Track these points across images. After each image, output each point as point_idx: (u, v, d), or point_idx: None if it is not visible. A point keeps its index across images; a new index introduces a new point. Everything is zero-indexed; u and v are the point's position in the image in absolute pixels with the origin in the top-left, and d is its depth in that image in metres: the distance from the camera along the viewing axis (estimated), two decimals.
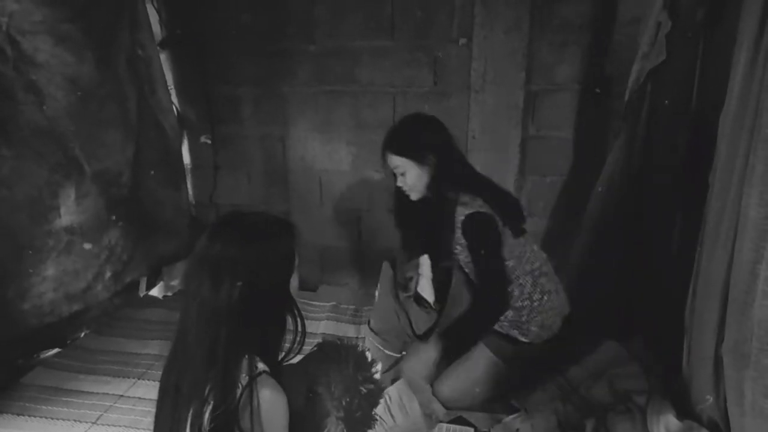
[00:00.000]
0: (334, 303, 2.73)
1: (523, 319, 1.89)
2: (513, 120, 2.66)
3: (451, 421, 1.87)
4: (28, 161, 2.29)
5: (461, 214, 1.80)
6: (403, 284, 2.28)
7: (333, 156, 2.95)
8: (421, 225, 2.00)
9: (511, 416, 1.86)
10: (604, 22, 2.46)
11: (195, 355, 1.02)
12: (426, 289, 2.15)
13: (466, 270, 1.93)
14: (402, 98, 2.80)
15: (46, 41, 2.32)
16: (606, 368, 2.01)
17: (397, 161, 1.87)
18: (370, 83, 2.81)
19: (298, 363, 1.17)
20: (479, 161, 2.72)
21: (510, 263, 1.86)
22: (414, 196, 1.91)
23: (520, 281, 1.89)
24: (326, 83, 2.83)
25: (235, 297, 1.01)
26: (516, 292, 1.88)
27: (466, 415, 1.88)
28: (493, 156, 2.70)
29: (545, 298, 1.90)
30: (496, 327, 1.93)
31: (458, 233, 1.83)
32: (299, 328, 1.13)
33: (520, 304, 1.89)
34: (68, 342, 2.44)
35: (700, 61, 2.00)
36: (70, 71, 2.41)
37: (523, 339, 1.90)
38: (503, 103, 2.65)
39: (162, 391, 1.11)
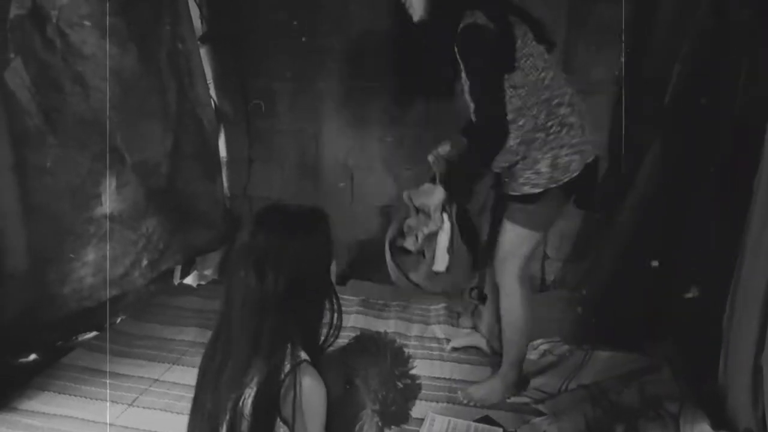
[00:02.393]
0: (363, 297, 2.76)
1: (536, 156, 1.72)
2: None
3: (478, 420, 1.87)
4: (72, 150, 2.36)
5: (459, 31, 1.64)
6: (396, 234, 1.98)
7: (365, 152, 2.97)
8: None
9: (539, 418, 1.85)
10: (643, 22, 2.42)
11: (239, 343, 1.05)
12: (440, 260, 1.88)
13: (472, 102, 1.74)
14: (436, 97, 2.80)
15: (92, 34, 2.39)
16: (636, 374, 1.99)
17: None
18: (403, 80, 2.82)
19: (336, 354, 1.20)
20: None
21: (522, 91, 1.68)
22: (416, 16, 1.72)
23: (533, 112, 1.69)
24: (361, 79, 2.85)
25: (280, 286, 1.04)
26: (527, 125, 1.70)
27: (493, 414, 1.89)
28: None
29: (563, 131, 1.70)
30: (511, 185, 1.79)
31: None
32: (335, 319, 1.16)
33: (532, 136, 1.70)
34: (105, 326, 2.51)
35: (745, 62, 1.95)
36: (114, 63, 2.48)
37: (535, 191, 1.74)
38: None
39: (202, 377, 1.14)
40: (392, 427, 1.17)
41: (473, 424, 1.86)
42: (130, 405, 1.94)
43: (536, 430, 1.81)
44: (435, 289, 2.07)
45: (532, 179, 1.75)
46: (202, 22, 2.99)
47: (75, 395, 1.99)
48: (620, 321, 2.19)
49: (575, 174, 1.74)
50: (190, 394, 1.86)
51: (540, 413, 1.89)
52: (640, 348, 2.12)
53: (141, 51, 2.57)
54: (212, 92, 3.06)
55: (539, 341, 2.29)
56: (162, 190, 2.73)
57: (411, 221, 1.87)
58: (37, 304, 2.30)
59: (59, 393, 1.99)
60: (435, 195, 1.80)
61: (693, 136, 2.09)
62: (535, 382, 2.04)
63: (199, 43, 2.95)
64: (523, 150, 1.73)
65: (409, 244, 1.88)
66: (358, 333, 1.31)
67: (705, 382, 1.78)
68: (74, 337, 2.42)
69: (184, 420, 1.73)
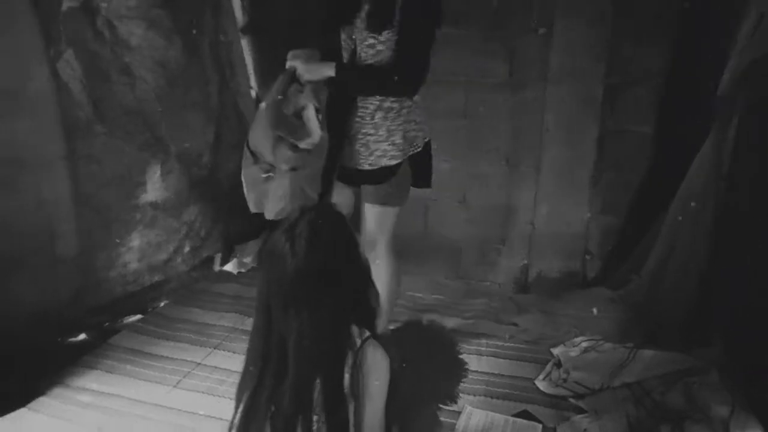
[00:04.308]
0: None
1: (391, 127, 1.82)
2: (591, 114, 2.57)
3: (516, 415, 1.86)
4: (119, 139, 2.43)
5: None
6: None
7: None
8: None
9: (580, 416, 1.83)
10: (694, 13, 2.33)
11: (302, 324, 1.07)
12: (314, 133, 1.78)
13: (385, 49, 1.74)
14: (474, 88, 2.77)
15: (139, 26, 2.45)
16: (681, 375, 1.94)
17: None
18: (443, 73, 2.78)
19: (389, 335, 1.23)
20: (553, 156, 2.67)
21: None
22: None
23: None
24: None
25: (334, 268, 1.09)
26: None
27: (532, 410, 1.87)
28: (568, 151, 2.63)
29: (413, 107, 1.87)
30: (367, 159, 1.84)
31: None
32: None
33: (390, 105, 1.81)
34: (149, 310, 2.59)
35: None
36: (159, 55, 2.54)
37: (392, 162, 1.84)
38: (581, 97, 2.58)
39: (254, 362, 1.16)
40: (440, 407, 1.19)
41: (511, 418, 1.85)
42: (174, 386, 2.00)
43: (577, 428, 1.78)
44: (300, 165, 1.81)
45: (389, 151, 1.84)
46: (243, 14, 3.03)
47: (122, 375, 2.05)
48: (665, 322, 2.13)
49: (419, 149, 1.91)
50: (231, 379, 1.95)
51: (580, 410, 1.87)
52: (687, 349, 2.06)
53: (185, 42, 2.62)
54: (252, 83, 3.10)
55: (580, 338, 2.26)
56: (204, 179, 2.79)
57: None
58: (85, 288, 2.39)
59: (107, 372, 2.07)
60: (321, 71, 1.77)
61: (747, 132, 2.01)
62: (576, 375, 2.00)
63: (240, 34, 2.99)
64: (380, 118, 1.82)
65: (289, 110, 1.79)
66: (408, 320, 1.34)
67: (756, 387, 1.72)
68: (120, 320, 2.50)
69: (225, 403, 1.81)
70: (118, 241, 2.49)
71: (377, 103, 1.81)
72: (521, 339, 2.35)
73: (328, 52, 1.84)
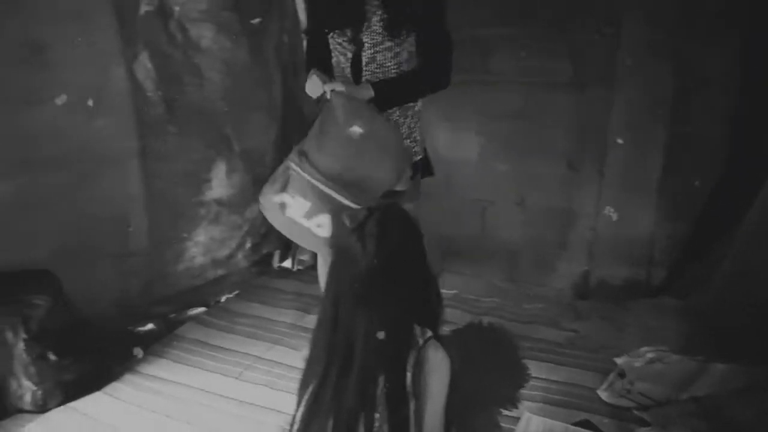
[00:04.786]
0: (455, 291, 2.75)
1: (411, 125, 1.83)
2: (659, 116, 2.48)
3: (576, 424, 1.81)
4: (188, 138, 2.54)
5: None
6: None
7: (460, 145, 2.94)
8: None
9: (644, 428, 1.77)
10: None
11: (370, 322, 1.09)
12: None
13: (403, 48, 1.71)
14: (535, 89, 2.72)
15: (209, 28, 2.55)
16: (755, 390, 1.84)
17: None
18: (502, 73, 2.76)
19: (449, 336, 1.23)
20: (620, 159, 2.58)
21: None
22: None
23: None
24: (456, 72, 2.81)
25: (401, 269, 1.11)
26: None
27: (596, 421, 1.82)
28: (634, 154, 2.54)
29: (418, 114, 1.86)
30: None
31: None
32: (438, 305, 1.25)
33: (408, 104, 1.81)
34: (212, 303, 2.68)
35: None
36: (227, 56, 2.63)
37: (416, 158, 1.85)
38: (648, 99, 2.48)
39: (318, 358, 1.19)
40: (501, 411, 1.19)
41: (571, 427, 1.81)
42: (236, 378, 2.06)
43: None
44: None
45: (411, 148, 1.82)
46: (306, 16, 3.08)
47: (188, 365, 2.14)
48: (737, 334, 2.03)
49: (420, 157, 1.89)
50: (290, 374, 2.00)
51: (644, 422, 1.81)
52: (760, 363, 1.95)
53: (251, 44, 2.70)
54: None
55: (645, 349, 2.17)
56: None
57: None
58: (154, 280, 2.50)
59: (174, 361, 2.16)
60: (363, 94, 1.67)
61: None
62: (641, 386, 1.94)
63: (303, 35, 3.04)
64: (399, 116, 1.80)
65: None
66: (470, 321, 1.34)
67: None
68: (185, 312, 2.60)
69: (285, 397, 1.86)
70: (185, 235, 2.60)
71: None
72: (582, 346, 2.30)
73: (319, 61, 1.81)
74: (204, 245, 2.67)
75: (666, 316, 2.39)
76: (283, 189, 1.55)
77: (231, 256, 2.79)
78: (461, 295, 2.74)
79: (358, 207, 1.41)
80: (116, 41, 2.16)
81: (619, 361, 2.13)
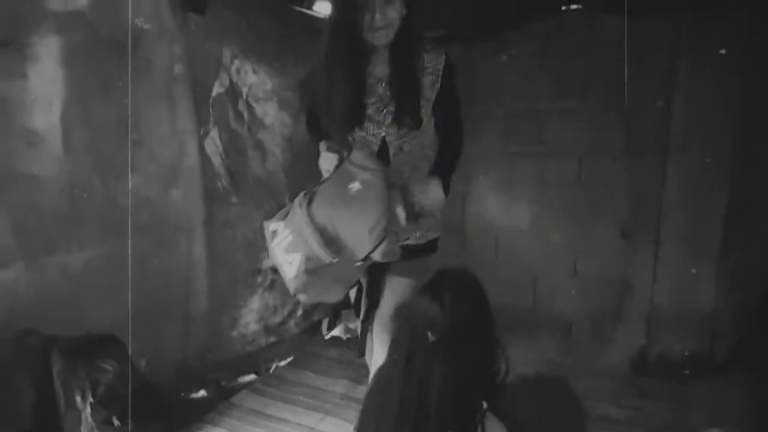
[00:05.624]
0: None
1: None
2: (717, 184, 2.47)
3: None
4: (249, 207, 2.66)
5: (438, 56, 1.55)
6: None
7: (512, 214, 2.98)
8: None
9: None
10: None
11: (446, 377, 1.11)
12: None
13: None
14: (589, 159, 2.76)
15: (272, 107, 2.73)
16: None
17: None
18: (557, 144, 2.83)
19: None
20: (675, 227, 2.56)
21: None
22: (384, 39, 1.49)
23: None
24: (512, 143, 2.91)
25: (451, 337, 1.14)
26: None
27: None
28: (691, 223, 2.52)
29: None
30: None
31: (429, 80, 1.54)
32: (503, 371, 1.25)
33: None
34: (263, 370, 2.70)
35: None
36: (287, 132, 2.80)
37: (437, 234, 1.68)
38: (704, 166, 2.49)
39: (385, 414, 1.19)
40: None
41: None
42: None
43: None
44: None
45: (433, 224, 1.66)
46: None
47: None
48: None
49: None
50: None
51: None
52: None
53: None
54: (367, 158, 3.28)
55: (713, 430, 2.06)
56: None
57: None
58: (210, 345, 2.55)
59: (230, 430, 2.16)
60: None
61: None
62: None
63: None
64: None
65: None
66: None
67: None
68: (236, 378, 2.62)
69: None
70: (241, 302, 2.67)
71: (420, 171, 1.63)
72: (644, 425, 2.19)
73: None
74: (258, 312, 2.73)
75: (733, 393, 2.27)
76: (283, 218, 1.55)
77: (283, 323, 2.83)
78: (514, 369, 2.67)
79: (331, 260, 1.39)
80: (192, 120, 2.34)
81: None
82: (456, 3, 2.67)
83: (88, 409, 1.86)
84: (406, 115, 1.54)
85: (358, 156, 1.49)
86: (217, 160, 2.53)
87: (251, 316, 2.73)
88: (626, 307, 2.76)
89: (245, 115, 2.64)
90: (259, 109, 2.69)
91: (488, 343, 1.22)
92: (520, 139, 2.88)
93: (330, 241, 1.41)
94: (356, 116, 1.55)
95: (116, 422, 1.91)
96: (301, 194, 1.54)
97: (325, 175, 1.58)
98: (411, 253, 1.60)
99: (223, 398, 2.42)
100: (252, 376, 2.65)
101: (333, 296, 1.60)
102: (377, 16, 1.44)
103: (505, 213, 2.99)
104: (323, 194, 1.50)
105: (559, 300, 2.89)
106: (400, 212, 1.44)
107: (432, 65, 1.55)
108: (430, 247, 1.68)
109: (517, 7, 2.68)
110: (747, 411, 2.17)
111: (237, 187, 2.61)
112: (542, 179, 2.87)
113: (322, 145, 1.63)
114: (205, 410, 2.29)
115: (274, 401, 2.37)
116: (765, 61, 2.32)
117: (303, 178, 2.86)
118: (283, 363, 2.75)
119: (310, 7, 2.76)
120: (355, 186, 1.44)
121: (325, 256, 1.40)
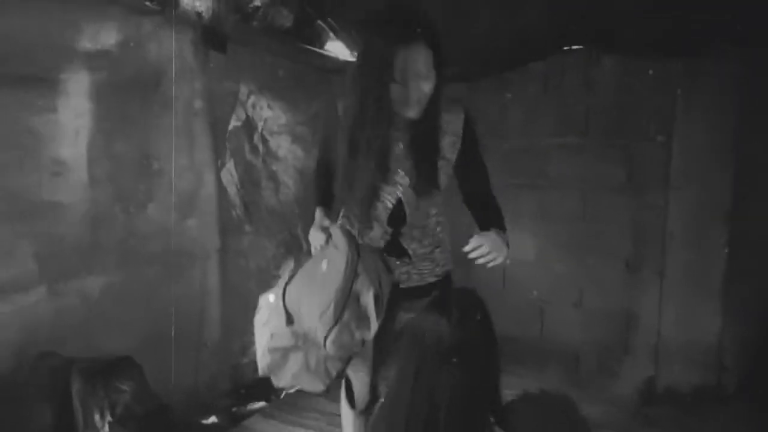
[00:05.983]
0: (515, 393, 2.70)
1: (444, 238, 1.63)
2: (718, 219, 2.52)
3: None
4: (262, 237, 2.74)
5: (457, 114, 1.49)
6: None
7: (517, 246, 3.02)
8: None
9: None
10: None
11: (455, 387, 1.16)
12: None
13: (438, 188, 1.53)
14: (592, 193, 2.83)
15: (286, 140, 2.84)
16: None
17: (425, 56, 1.32)
18: (559, 178, 2.91)
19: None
20: (680, 260, 2.60)
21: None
22: (415, 114, 1.40)
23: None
24: (515, 177, 2.99)
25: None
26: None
27: None
28: (696, 256, 2.56)
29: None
30: (414, 276, 1.57)
31: (448, 141, 1.49)
32: None
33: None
34: (272, 397, 2.72)
35: None
36: (299, 164, 2.90)
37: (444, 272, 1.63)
38: (705, 200, 2.55)
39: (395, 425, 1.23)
40: None
41: None
42: None
43: None
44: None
45: (441, 262, 1.62)
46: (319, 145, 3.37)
47: None
48: None
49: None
50: None
51: None
52: None
53: None
54: None
55: None
56: None
57: None
58: (222, 372, 2.59)
59: None
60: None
61: None
62: None
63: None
64: (440, 231, 1.62)
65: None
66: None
67: None
68: (247, 405, 2.64)
69: None
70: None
71: (434, 218, 1.60)
72: None
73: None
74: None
75: (741, 425, 2.27)
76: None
77: None
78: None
79: (292, 342, 1.37)
80: (210, 152, 2.44)
81: None
82: (461, 44, 2.80)
83: (107, 427, 1.90)
84: (425, 182, 1.49)
85: (336, 232, 1.45)
86: (232, 191, 2.62)
87: None
88: (633, 338, 2.78)
89: (260, 147, 2.74)
90: (273, 142, 2.80)
91: (494, 358, 1.26)
92: (523, 173, 2.96)
93: (292, 320, 1.39)
94: (376, 194, 1.48)
95: None
96: (290, 268, 1.54)
97: (313, 252, 1.56)
98: (426, 291, 1.56)
99: (234, 424, 2.44)
100: (262, 403, 2.67)
101: (309, 386, 1.47)
102: (412, 93, 1.34)
103: (511, 245, 3.03)
104: (301, 272, 1.49)
105: (565, 330, 2.91)
106: (369, 300, 1.34)
107: (451, 126, 1.49)
108: (445, 283, 1.63)
109: (520, 47, 2.80)
110: None
111: (251, 216, 2.69)
112: (546, 212, 2.93)
113: (317, 214, 1.61)
114: None
115: (286, 425, 2.40)
116: (759, 93, 2.41)
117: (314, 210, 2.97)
118: (293, 390, 2.77)
119: (321, 47, 2.90)
120: (324, 265, 1.41)
121: (287, 336, 1.38)
